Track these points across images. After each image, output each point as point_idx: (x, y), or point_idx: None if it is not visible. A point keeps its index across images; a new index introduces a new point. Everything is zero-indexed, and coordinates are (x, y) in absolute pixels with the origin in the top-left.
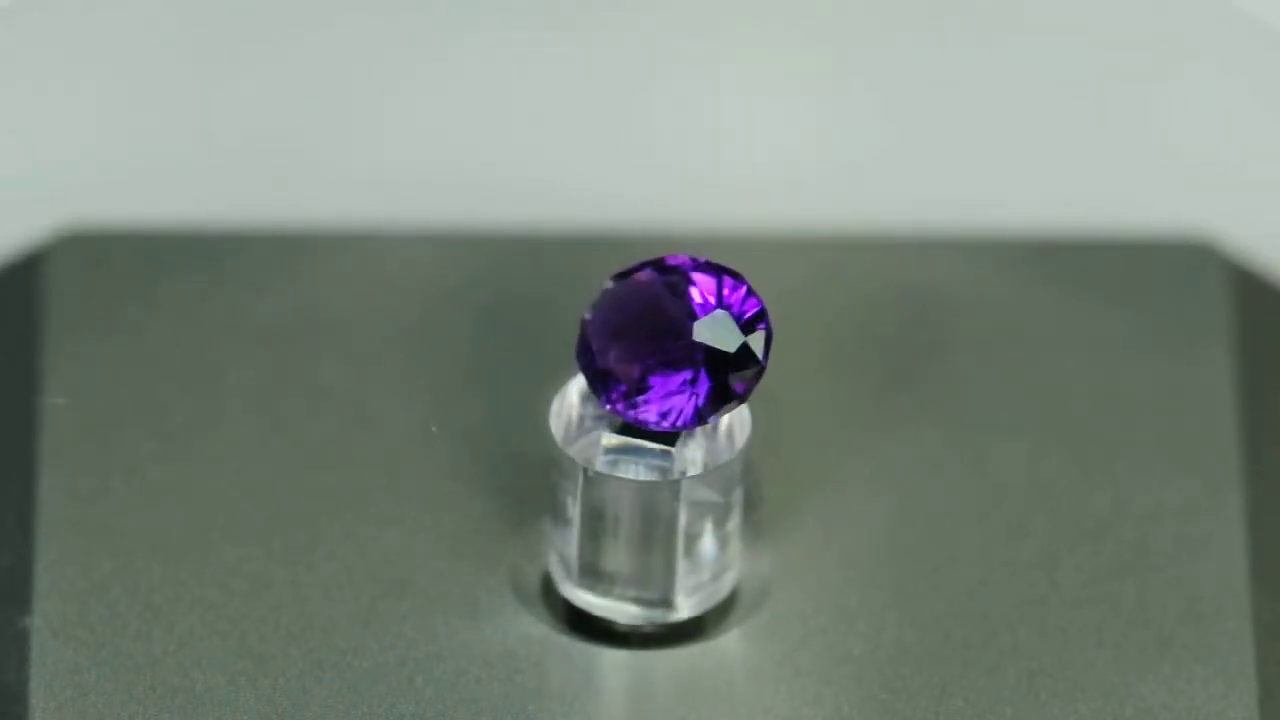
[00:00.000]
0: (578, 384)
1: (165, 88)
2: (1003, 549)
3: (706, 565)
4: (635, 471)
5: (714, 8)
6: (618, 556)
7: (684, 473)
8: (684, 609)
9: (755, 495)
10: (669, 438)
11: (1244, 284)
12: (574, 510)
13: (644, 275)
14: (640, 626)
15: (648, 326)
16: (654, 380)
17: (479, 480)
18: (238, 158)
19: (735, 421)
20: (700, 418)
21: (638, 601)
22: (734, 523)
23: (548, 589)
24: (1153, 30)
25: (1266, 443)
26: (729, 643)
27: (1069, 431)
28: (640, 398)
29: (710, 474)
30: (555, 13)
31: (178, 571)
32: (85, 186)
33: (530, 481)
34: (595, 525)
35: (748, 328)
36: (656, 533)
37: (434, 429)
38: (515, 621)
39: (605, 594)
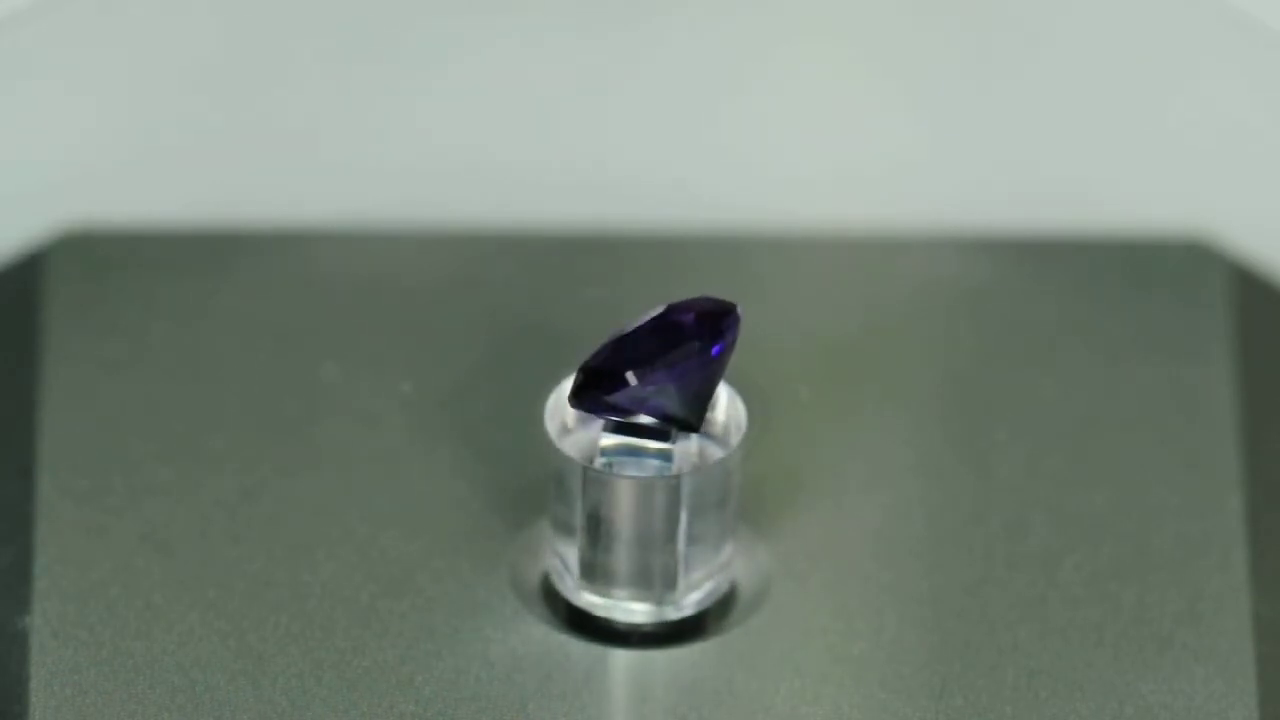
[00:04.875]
0: (572, 383)
1: (165, 88)
2: (1003, 549)
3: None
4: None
5: (717, 8)
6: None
7: (593, 460)
8: (577, 598)
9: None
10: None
11: (1244, 284)
12: (563, 505)
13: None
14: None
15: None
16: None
17: (479, 480)
18: (238, 157)
19: (732, 423)
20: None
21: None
22: (678, 547)
23: (548, 589)
24: (1153, 31)
25: (1266, 443)
26: (729, 643)
27: (1069, 431)
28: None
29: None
30: (565, 12)
31: (178, 571)
32: (85, 186)
33: (530, 481)
34: (562, 514)
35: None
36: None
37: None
38: (515, 621)
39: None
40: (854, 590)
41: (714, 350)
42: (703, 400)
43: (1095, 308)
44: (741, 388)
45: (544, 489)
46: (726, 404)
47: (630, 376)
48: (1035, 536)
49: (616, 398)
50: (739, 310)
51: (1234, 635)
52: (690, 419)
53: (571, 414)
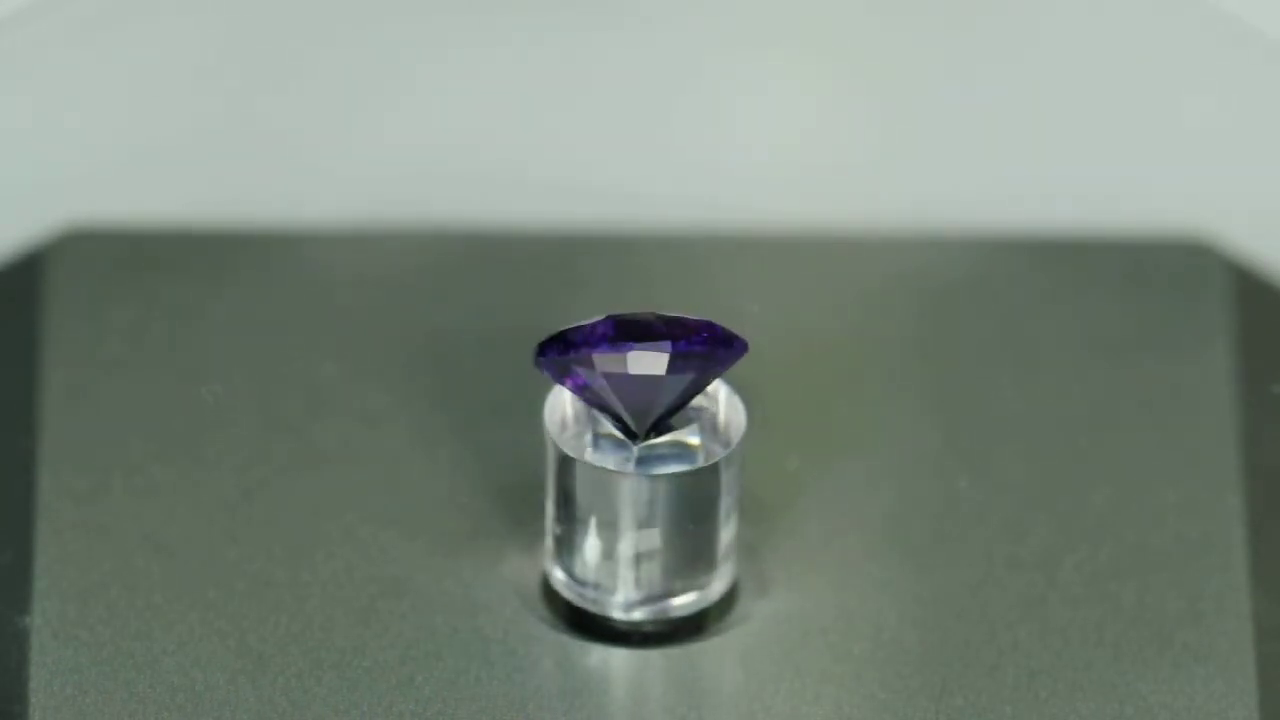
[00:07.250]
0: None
1: (165, 88)
2: (1003, 549)
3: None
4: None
5: (709, 8)
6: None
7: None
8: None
9: None
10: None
11: (1244, 284)
12: (557, 500)
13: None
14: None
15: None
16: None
17: (479, 480)
18: (238, 157)
19: (732, 421)
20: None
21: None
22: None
23: (548, 589)
24: (1152, 32)
25: (1266, 443)
26: (729, 643)
27: (1069, 431)
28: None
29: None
30: (560, 12)
31: (178, 571)
32: (85, 186)
33: (529, 481)
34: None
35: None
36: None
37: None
38: (515, 621)
39: (581, 581)
40: (854, 590)
41: (634, 366)
42: (642, 411)
43: (1095, 308)
44: (740, 388)
45: (543, 488)
46: (723, 421)
47: (570, 351)
48: (1035, 536)
49: (546, 362)
50: (721, 350)
51: (1234, 635)
52: (627, 421)
53: (571, 408)
